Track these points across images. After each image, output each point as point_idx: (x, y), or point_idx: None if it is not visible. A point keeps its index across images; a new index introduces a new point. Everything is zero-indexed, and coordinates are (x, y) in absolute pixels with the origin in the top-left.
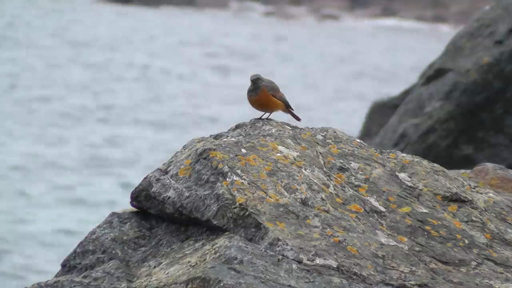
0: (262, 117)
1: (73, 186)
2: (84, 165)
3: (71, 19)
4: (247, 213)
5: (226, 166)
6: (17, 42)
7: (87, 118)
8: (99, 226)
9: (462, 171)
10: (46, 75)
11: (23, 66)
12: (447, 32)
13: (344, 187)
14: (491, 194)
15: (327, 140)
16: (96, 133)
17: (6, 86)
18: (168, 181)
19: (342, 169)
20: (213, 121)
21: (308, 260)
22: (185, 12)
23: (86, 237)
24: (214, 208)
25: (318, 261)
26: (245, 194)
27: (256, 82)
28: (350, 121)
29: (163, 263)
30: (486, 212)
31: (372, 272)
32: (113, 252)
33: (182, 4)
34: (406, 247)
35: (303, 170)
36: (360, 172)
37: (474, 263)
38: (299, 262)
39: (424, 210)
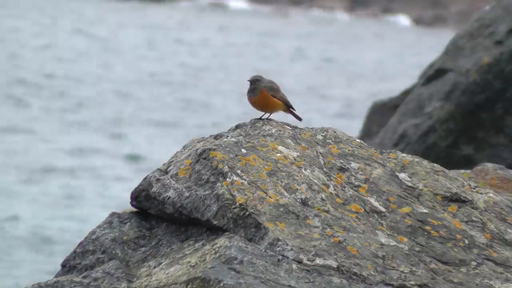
0: (262, 117)
1: None
2: None
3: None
4: (247, 213)
5: (226, 166)
6: None
7: None
8: (99, 226)
9: (462, 171)
10: None
11: None
12: (447, 32)
13: (344, 187)
14: (491, 194)
15: (327, 140)
16: None
17: None
18: (168, 181)
19: (342, 169)
20: None
21: (308, 260)
22: (184, 10)
23: (86, 237)
24: (214, 208)
25: (318, 261)
26: (245, 194)
27: (254, 83)
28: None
29: (163, 263)
30: (486, 212)
31: (372, 272)
32: (113, 252)
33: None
34: (406, 247)
35: (303, 170)
36: (360, 172)
37: (474, 263)
38: (299, 262)
39: (424, 210)
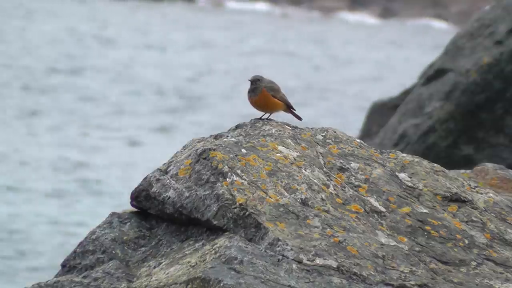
0: (262, 117)
1: None
2: None
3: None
4: (247, 213)
5: (226, 166)
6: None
7: None
8: (99, 226)
9: (462, 171)
10: None
11: None
12: (447, 31)
13: (344, 187)
14: (491, 194)
15: (327, 140)
16: None
17: None
18: (168, 181)
19: (342, 169)
20: None
21: (308, 260)
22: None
23: (86, 237)
24: (214, 208)
25: (318, 261)
26: (245, 194)
27: (254, 83)
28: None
29: (163, 263)
30: (486, 212)
31: (372, 272)
32: (113, 252)
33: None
34: (406, 247)
35: (303, 170)
36: (360, 172)
37: (474, 263)
38: (299, 262)
39: (424, 210)
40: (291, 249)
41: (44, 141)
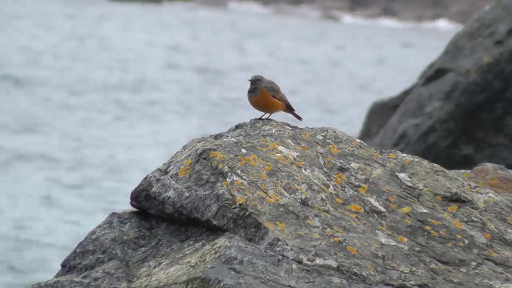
0: (262, 117)
1: None
2: None
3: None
4: (247, 213)
5: (226, 166)
6: None
7: None
8: (99, 226)
9: (462, 171)
10: None
11: None
12: (447, 30)
13: (344, 187)
14: (491, 194)
15: (327, 140)
16: None
17: None
18: (168, 181)
19: (342, 169)
20: None
21: (308, 260)
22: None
23: (86, 237)
24: (214, 208)
25: (318, 261)
26: (245, 194)
27: (255, 83)
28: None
29: (163, 263)
30: (486, 212)
31: (372, 272)
32: (113, 252)
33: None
34: (406, 247)
35: (303, 170)
36: (360, 172)
37: (474, 263)
38: (299, 262)
39: (424, 210)
40: (291, 249)
41: None
